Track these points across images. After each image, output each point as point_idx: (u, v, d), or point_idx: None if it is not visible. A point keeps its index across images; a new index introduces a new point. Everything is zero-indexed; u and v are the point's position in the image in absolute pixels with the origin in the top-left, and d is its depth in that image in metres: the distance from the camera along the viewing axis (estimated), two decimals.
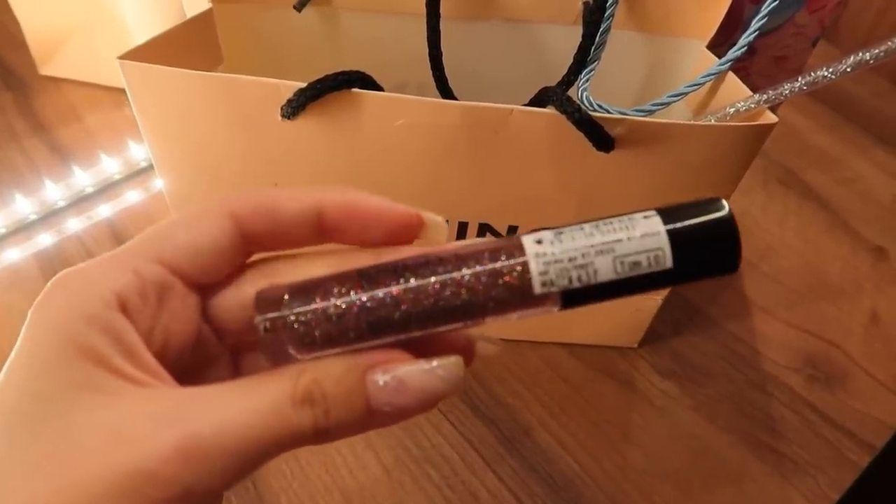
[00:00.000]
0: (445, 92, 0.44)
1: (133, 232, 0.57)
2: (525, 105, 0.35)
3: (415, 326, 0.20)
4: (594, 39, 0.40)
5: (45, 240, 0.56)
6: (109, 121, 0.67)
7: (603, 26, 0.40)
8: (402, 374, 0.20)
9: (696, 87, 0.39)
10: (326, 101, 0.33)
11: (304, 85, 0.33)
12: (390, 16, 0.45)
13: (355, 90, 0.33)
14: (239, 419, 0.18)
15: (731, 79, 0.40)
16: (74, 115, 0.68)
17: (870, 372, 0.51)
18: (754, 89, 0.37)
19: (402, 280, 0.20)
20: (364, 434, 0.23)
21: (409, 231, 0.22)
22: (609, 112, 0.38)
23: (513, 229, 0.40)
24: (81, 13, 0.65)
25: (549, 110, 0.34)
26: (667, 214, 0.19)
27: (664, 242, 0.19)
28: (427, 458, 0.43)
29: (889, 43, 0.32)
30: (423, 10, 0.41)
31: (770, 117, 0.35)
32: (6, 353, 0.19)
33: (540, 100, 0.36)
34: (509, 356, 0.50)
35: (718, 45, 0.44)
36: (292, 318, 0.20)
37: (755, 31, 0.38)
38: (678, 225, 0.19)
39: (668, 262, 0.19)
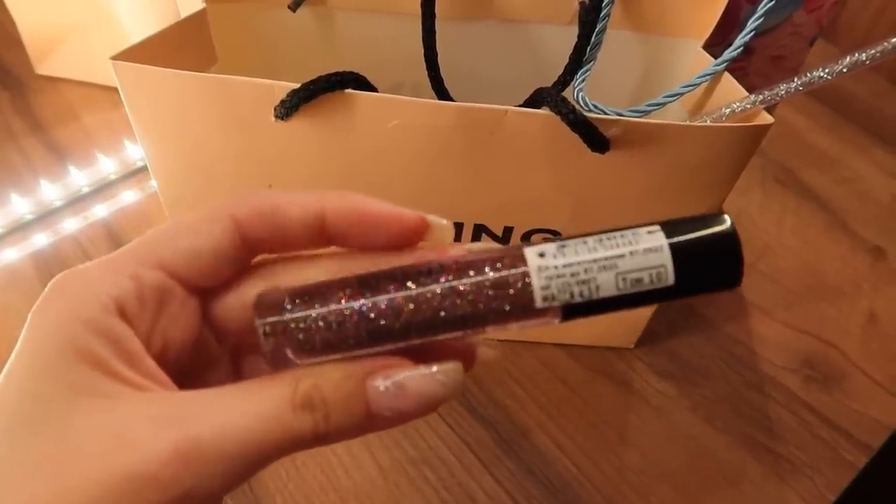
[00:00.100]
0: (441, 92, 0.44)
1: (129, 232, 0.57)
2: (520, 106, 0.35)
3: (415, 335, 0.20)
4: (590, 39, 0.40)
5: (41, 240, 0.56)
6: (106, 120, 0.67)
7: (599, 26, 0.40)
8: (402, 379, 0.20)
9: (691, 87, 0.39)
10: (320, 101, 0.33)
11: (297, 86, 0.32)
12: (385, 16, 0.45)
13: (349, 91, 0.33)
14: (239, 423, 0.18)
15: (727, 79, 0.40)
16: (71, 114, 0.68)
17: (867, 372, 0.51)
18: (751, 89, 0.37)
19: (402, 289, 0.20)
20: None
21: (413, 235, 0.22)
22: (605, 112, 0.38)
23: (508, 230, 0.40)
24: (78, 12, 0.65)
25: (544, 111, 0.33)
26: (670, 229, 0.19)
27: (667, 259, 0.19)
28: (424, 459, 0.43)
29: (885, 43, 0.32)
30: (419, 11, 0.41)
31: (766, 118, 0.35)
32: (3, 353, 0.19)
33: (535, 100, 0.36)
34: (507, 357, 0.50)
35: (715, 45, 0.43)
36: (292, 323, 0.20)
37: (751, 32, 0.37)
38: (681, 240, 0.19)
39: (671, 280, 0.19)
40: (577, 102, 0.39)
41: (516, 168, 0.36)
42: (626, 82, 0.48)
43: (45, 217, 0.58)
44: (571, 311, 0.20)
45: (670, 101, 0.39)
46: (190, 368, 0.23)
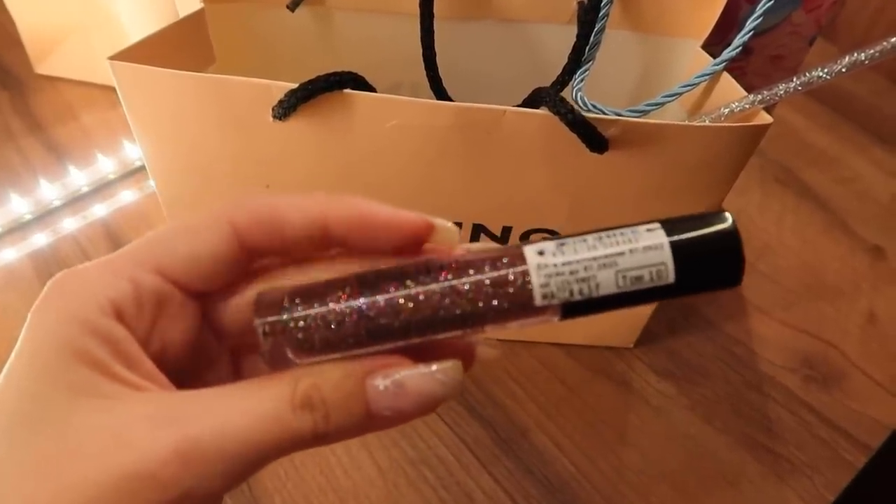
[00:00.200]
0: (439, 92, 0.44)
1: (128, 232, 0.57)
2: (519, 106, 0.35)
3: (414, 334, 0.20)
4: (589, 39, 0.40)
5: (40, 239, 0.56)
6: (105, 120, 0.67)
7: (597, 26, 0.40)
8: (401, 378, 0.20)
9: (690, 87, 0.39)
10: (318, 101, 0.33)
11: (295, 86, 0.32)
12: (384, 16, 0.45)
13: (347, 91, 0.33)
14: (238, 423, 0.18)
15: (726, 79, 0.40)
16: (70, 114, 0.68)
17: (867, 372, 0.51)
18: (750, 89, 0.37)
19: (402, 288, 0.20)
20: None
21: (418, 239, 0.22)
22: (603, 112, 0.38)
23: (507, 230, 0.40)
24: (77, 12, 0.65)
25: (542, 111, 0.33)
26: (670, 227, 0.19)
27: (667, 257, 0.19)
28: (422, 458, 0.43)
29: (885, 43, 0.32)
30: (417, 10, 0.41)
31: (765, 118, 0.35)
32: (2, 353, 0.19)
33: (533, 100, 0.36)
34: (506, 357, 0.50)
35: (714, 44, 0.43)
36: (292, 323, 0.20)
37: (750, 31, 0.37)
38: (681, 238, 0.19)
39: (671, 277, 0.19)
40: (576, 102, 0.39)
41: (515, 168, 0.36)
42: (624, 82, 0.48)
43: (44, 216, 0.58)
44: (571, 309, 0.19)
45: (669, 101, 0.39)
46: (189, 369, 0.23)
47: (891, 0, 0.86)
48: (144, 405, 0.19)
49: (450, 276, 0.20)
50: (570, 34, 0.41)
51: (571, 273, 0.19)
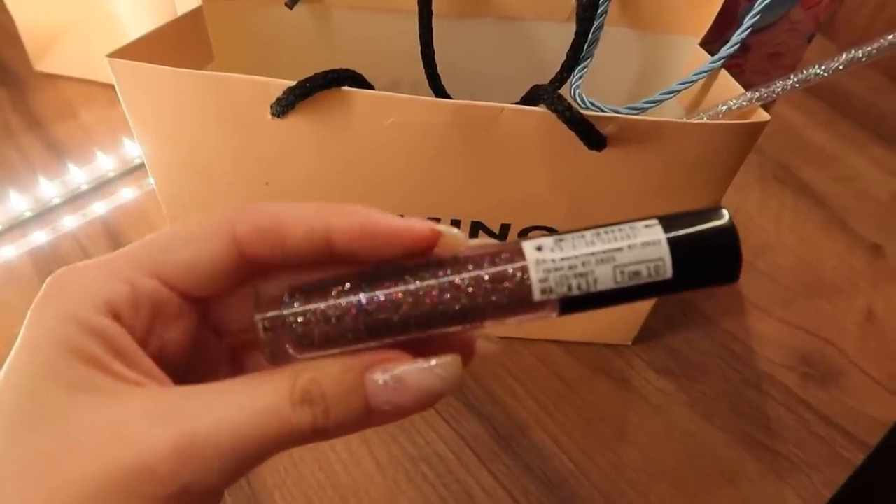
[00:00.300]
0: (438, 90, 0.44)
1: (127, 229, 0.57)
2: (517, 103, 0.35)
3: (413, 329, 0.20)
4: (587, 37, 0.40)
5: (39, 237, 0.56)
6: (105, 117, 0.67)
7: (596, 23, 0.40)
8: (400, 373, 0.20)
9: (688, 84, 0.39)
10: (316, 99, 0.33)
11: (293, 83, 0.32)
12: (382, 13, 0.45)
13: (345, 88, 0.33)
14: (236, 418, 0.18)
15: (724, 76, 0.40)
16: (70, 111, 0.68)
17: (864, 370, 0.51)
18: (749, 86, 0.37)
19: (401, 283, 0.20)
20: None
21: (425, 247, 0.21)
22: (601, 110, 0.38)
23: (505, 227, 0.40)
24: (77, 9, 0.65)
25: (541, 109, 0.33)
26: (668, 223, 0.19)
27: (665, 252, 0.19)
28: (422, 455, 0.43)
29: (882, 40, 0.32)
30: (416, 8, 0.41)
31: (762, 115, 0.35)
32: (1, 351, 0.19)
33: (531, 98, 0.36)
34: (504, 354, 0.50)
35: (712, 42, 0.43)
36: (291, 318, 0.20)
37: (748, 28, 0.37)
38: (679, 234, 0.19)
39: (669, 273, 0.19)
40: (575, 100, 0.39)
41: (513, 165, 0.36)
42: (623, 79, 0.48)
43: (44, 214, 0.58)
44: (569, 304, 0.20)
45: (667, 99, 0.39)
46: (189, 367, 0.23)
47: None
48: (142, 401, 0.19)
49: (449, 272, 0.20)
50: (568, 32, 0.41)
51: (570, 268, 0.19)
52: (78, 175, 0.60)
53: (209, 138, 0.36)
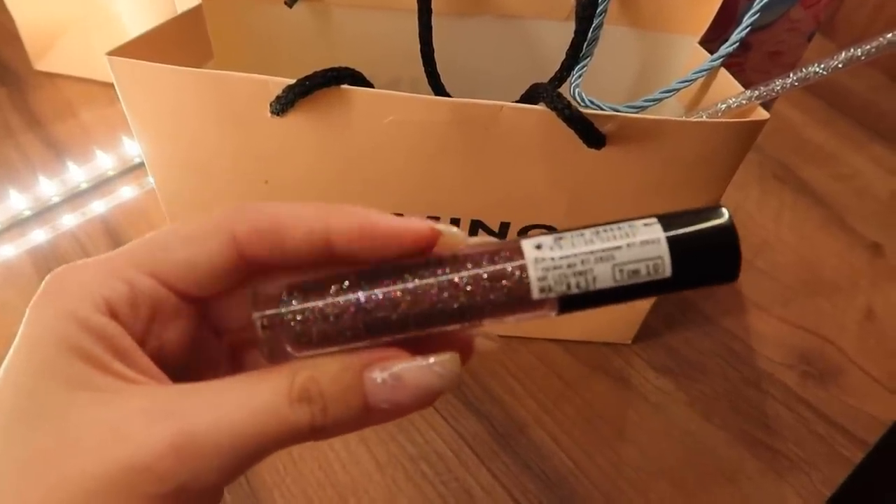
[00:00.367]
0: (438, 88, 0.44)
1: (127, 228, 0.57)
2: (516, 101, 0.35)
3: (412, 327, 0.20)
4: (586, 35, 0.40)
5: (39, 236, 0.56)
6: (104, 116, 0.67)
7: (595, 22, 0.40)
8: (399, 370, 0.20)
9: (687, 83, 0.39)
10: (316, 97, 0.33)
11: (292, 81, 0.32)
12: (382, 11, 0.45)
13: (344, 86, 0.33)
14: (234, 416, 0.18)
15: (724, 75, 0.40)
16: (69, 110, 0.68)
17: (864, 368, 0.51)
18: (749, 85, 0.37)
19: (400, 281, 0.20)
20: None
21: (425, 247, 0.21)
22: (601, 108, 0.38)
23: (505, 225, 0.40)
24: (76, 8, 0.65)
25: (540, 107, 0.33)
26: (667, 222, 0.19)
27: (664, 251, 0.19)
28: (421, 454, 0.43)
29: (881, 38, 0.32)
30: (415, 6, 0.41)
31: (762, 113, 0.35)
32: (0, 349, 0.19)
33: (531, 96, 0.36)
34: (503, 352, 0.50)
35: (712, 40, 0.43)
36: (289, 316, 0.20)
37: (747, 27, 0.37)
38: (678, 232, 0.19)
39: (668, 271, 0.19)
40: (574, 98, 0.39)
41: (512, 164, 0.36)
42: (622, 78, 0.48)
43: (43, 213, 0.58)
44: (568, 303, 0.20)
45: (666, 97, 0.39)
46: (189, 365, 0.23)
47: None
48: (141, 399, 0.19)
49: (448, 270, 0.20)
50: (567, 30, 0.41)
51: (569, 267, 0.19)
52: (77, 174, 0.60)
53: (208, 136, 0.36)
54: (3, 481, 0.18)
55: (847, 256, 0.61)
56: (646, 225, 0.19)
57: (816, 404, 0.49)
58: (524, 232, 0.40)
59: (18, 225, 0.57)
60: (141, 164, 0.62)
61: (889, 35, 0.31)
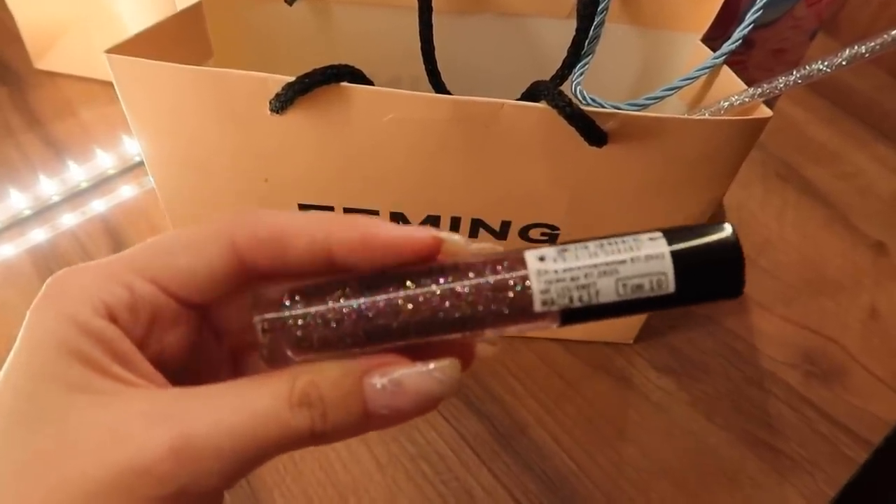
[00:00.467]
0: (438, 86, 0.44)
1: (127, 227, 0.56)
2: (517, 99, 0.35)
3: (413, 335, 0.20)
4: (588, 33, 0.40)
5: (38, 235, 0.55)
6: (104, 115, 0.67)
7: (597, 20, 0.40)
8: (399, 376, 0.20)
9: (690, 80, 0.39)
10: (315, 95, 0.33)
11: (292, 79, 0.32)
12: (382, 9, 0.45)
13: (344, 84, 0.33)
14: (234, 420, 0.18)
15: (726, 72, 0.39)
16: (70, 109, 0.68)
17: (868, 368, 0.51)
18: (752, 83, 0.36)
19: (402, 289, 0.20)
20: None
21: (427, 255, 0.21)
22: (602, 106, 0.38)
23: (505, 224, 0.40)
24: (76, 7, 0.65)
25: (541, 105, 0.33)
26: (672, 236, 0.19)
27: (668, 267, 0.19)
28: (421, 453, 0.43)
29: (885, 35, 0.32)
30: (416, 4, 0.41)
31: (765, 111, 0.35)
32: (0, 350, 0.19)
33: (532, 94, 0.36)
34: (504, 352, 0.50)
35: (715, 38, 0.43)
36: (290, 320, 0.20)
37: (750, 24, 0.37)
38: (682, 247, 0.19)
39: (671, 287, 0.19)
40: (575, 96, 0.39)
41: (514, 162, 0.36)
42: (624, 76, 0.48)
43: (43, 212, 0.58)
44: (570, 315, 0.20)
45: (669, 95, 0.39)
46: (189, 369, 0.23)
47: None
48: (140, 402, 0.19)
49: (450, 279, 0.20)
50: (569, 28, 0.40)
51: (572, 280, 0.19)
52: (77, 173, 0.60)
53: (208, 134, 0.36)
54: (2, 483, 0.17)
55: (850, 255, 0.61)
56: (651, 239, 0.19)
57: (820, 404, 0.48)
58: (525, 230, 0.40)
59: (18, 224, 0.57)
60: (141, 163, 0.62)
61: (893, 32, 0.31)
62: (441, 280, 0.20)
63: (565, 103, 0.32)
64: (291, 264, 0.21)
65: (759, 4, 0.37)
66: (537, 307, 0.19)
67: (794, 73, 0.34)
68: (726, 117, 0.36)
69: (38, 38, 0.69)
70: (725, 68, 0.40)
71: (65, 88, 0.70)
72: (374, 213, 0.39)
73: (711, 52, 0.40)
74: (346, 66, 0.33)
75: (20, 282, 0.52)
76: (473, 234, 0.41)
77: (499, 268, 0.20)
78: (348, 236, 0.21)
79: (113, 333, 0.20)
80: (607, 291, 0.19)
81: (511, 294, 0.19)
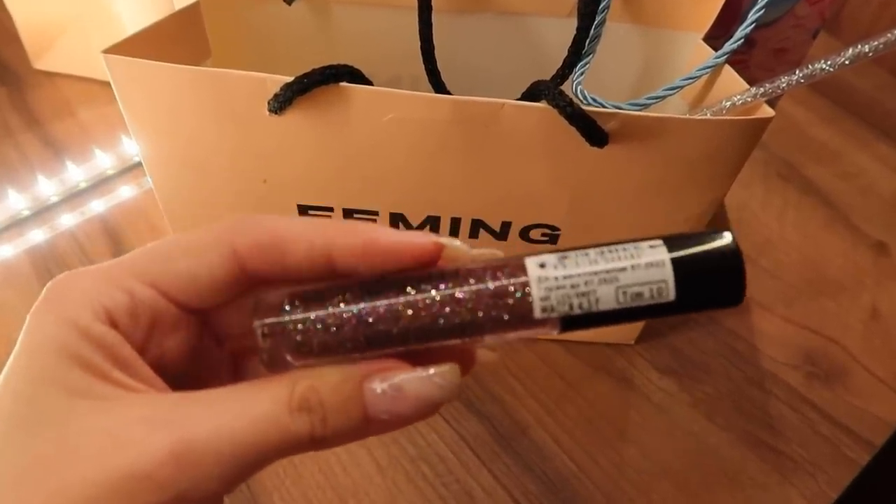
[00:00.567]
0: (438, 86, 0.44)
1: (125, 227, 0.56)
2: (518, 99, 0.35)
3: (412, 341, 0.20)
4: (589, 32, 0.40)
5: (37, 236, 0.55)
6: (103, 115, 0.67)
7: (598, 19, 0.40)
8: (399, 381, 0.20)
9: (691, 80, 0.39)
10: (314, 95, 0.32)
11: (291, 79, 0.32)
12: (382, 9, 0.44)
13: (343, 84, 0.33)
14: (234, 425, 0.18)
15: (728, 72, 0.39)
16: (68, 109, 0.68)
17: (869, 369, 0.51)
18: (754, 82, 0.36)
19: (402, 295, 0.20)
20: None
21: (428, 261, 0.21)
22: (603, 106, 0.38)
23: (506, 224, 0.40)
24: (75, 7, 0.65)
25: (541, 104, 0.33)
26: (672, 244, 0.19)
27: (668, 275, 0.19)
28: (421, 455, 0.43)
29: (888, 35, 0.31)
30: (415, 3, 0.41)
31: (767, 111, 0.35)
32: (0, 350, 0.19)
33: (532, 94, 0.36)
34: (505, 353, 0.50)
35: (717, 37, 0.43)
36: (290, 325, 0.20)
37: (752, 23, 0.37)
38: (683, 255, 0.19)
39: (671, 295, 0.19)
40: (576, 96, 0.39)
41: (514, 162, 0.36)
42: (625, 75, 0.48)
43: (42, 213, 0.58)
44: (570, 322, 0.20)
45: (670, 95, 0.39)
46: (189, 373, 0.23)
47: None
48: (140, 407, 0.19)
49: (450, 285, 0.20)
50: (570, 27, 0.40)
51: (572, 287, 0.19)
52: (76, 173, 0.60)
53: (206, 135, 0.36)
54: (2, 488, 0.17)
55: (852, 255, 0.61)
56: (651, 247, 0.19)
57: (821, 405, 0.48)
58: (526, 231, 0.40)
59: (17, 225, 0.56)
60: (140, 164, 0.62)
61: None
62: (441, 286, 0.20)
63: (566, 103, 0.32)
64: (291, 269, 0.21)
65: (760, 3, 0.37)
66: (537, 314, 0.19)
67: (797, 72, 0.34)
68: (728, 117, 0.36)
69: (36, 38, 0.69)
70: (727, 68, 0.39)
71: (63, 88, 0.70)
72: (374, 213, 0.39)
73: (713, 52, 0.40)
74: (346, 65, 0.33)
75: (19, 282, 0.52)
76: (474, 234, 0.40)
77: (499, 274, 0.20)
78: (349, 242, 0.21)
79: (113, 338, 0.20)
80: (607, 299, 0.19)
81: (511, 301, 0.19)
